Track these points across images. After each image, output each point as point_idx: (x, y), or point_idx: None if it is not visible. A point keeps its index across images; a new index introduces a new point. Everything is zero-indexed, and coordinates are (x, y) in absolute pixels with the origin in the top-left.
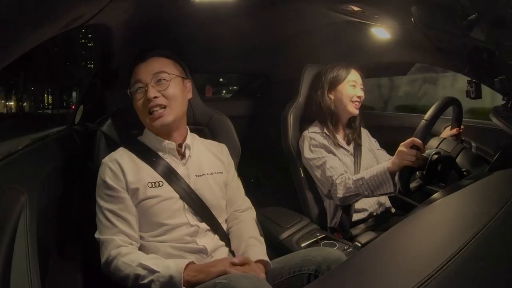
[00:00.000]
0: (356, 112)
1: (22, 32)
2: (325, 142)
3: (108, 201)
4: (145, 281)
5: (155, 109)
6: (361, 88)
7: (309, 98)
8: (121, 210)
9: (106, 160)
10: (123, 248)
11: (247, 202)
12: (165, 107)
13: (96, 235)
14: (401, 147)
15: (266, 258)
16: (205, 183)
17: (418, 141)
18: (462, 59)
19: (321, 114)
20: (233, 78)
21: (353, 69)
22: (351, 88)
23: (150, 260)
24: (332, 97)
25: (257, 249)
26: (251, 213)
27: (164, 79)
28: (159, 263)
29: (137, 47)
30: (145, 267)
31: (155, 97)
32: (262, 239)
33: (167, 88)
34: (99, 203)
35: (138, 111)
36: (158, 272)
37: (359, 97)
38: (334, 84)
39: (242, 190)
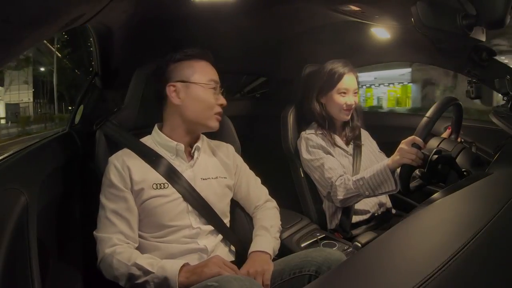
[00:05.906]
0: (347, 118)
1: (22, 32)
2: (322, 142)
3: (111, 200)
4: (140, 281)
5: (220, 112)
6: (354, 94)
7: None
8: (123, 210)
9: (113, 158)
10: (118, 247)
11: (264, 195)
12: None
13: (95, 232)
14: (402, 145)
15: (265, 249)
16: (209, 187)
17: (418, 139)
18: (462, 59)
19: (314, 117)
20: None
21: (345, 74)
22: (340, 97)
23: (145, 260)
24: (323, 101)
25: (259, 239)
26: (269, 205)
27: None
28: (154, 263)
29: (137, 47)
30: (140, 267)
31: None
32: (272, 227)
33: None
34: (101, 201)
35: (201, 103)
36: (153, 273)
37: (349, 105)
38: (324, 90)
39: (258, 182)
